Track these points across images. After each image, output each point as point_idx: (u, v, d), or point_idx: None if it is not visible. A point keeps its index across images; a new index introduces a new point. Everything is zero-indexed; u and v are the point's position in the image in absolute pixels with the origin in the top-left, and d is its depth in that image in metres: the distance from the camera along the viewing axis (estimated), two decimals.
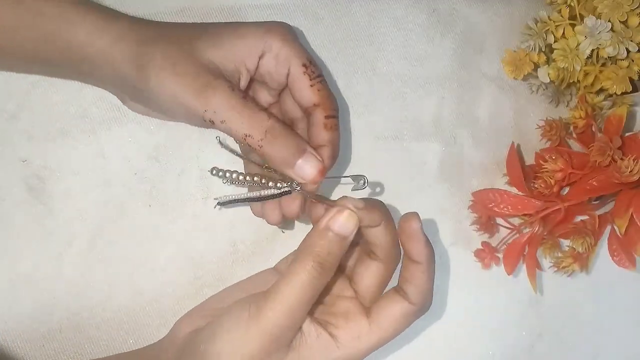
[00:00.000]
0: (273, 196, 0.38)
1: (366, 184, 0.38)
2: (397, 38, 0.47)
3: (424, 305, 0.36)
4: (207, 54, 0.36)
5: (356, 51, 0.47)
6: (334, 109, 0.38)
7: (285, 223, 0.43)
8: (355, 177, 0.37)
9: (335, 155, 0.38)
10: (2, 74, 0.43)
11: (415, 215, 0.35)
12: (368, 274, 0.36)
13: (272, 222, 0.39)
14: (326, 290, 0.36)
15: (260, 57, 0.37)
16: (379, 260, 0.36)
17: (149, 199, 0.44)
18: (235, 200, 0.39)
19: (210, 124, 0.35)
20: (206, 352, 0.33)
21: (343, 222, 0.33)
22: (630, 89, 0.44)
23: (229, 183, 0.38)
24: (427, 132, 0.47)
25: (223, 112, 0.34)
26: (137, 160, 0.44)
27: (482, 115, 0.47)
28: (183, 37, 0.36)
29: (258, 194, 0.38)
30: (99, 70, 0.37)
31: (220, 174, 0.38)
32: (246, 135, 0.35)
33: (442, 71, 0.47)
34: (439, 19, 0.48)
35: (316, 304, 0.35)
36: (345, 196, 0.35)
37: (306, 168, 0.35)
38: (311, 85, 0.37)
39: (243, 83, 0.37)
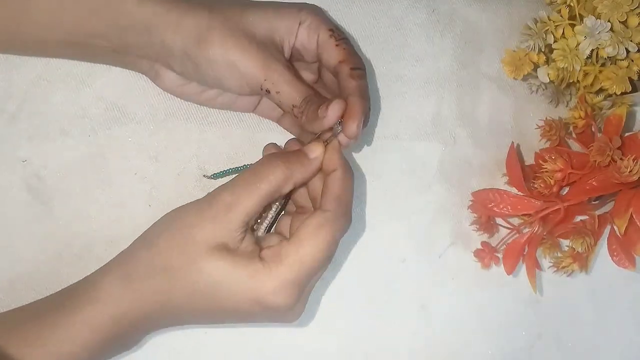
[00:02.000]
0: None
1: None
2: (396, 38, 0.47)
3: (339, 212, 0.36)
4: (260, 27, 0.38)
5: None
6: (359, 63, 0.40)
7: None
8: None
9: (365, 102, 0.39)
10: (2, 74, 0.43)
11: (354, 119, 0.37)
12: (304, 222, 0.36)
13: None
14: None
15: (297, 29, 0.40)
16: (321, 209, 0.36)
17: (149, 199, 0.44)
18: (225, 171, 0.42)
19: (265, 93, 0.38)
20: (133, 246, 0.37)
21: (314, 150, 0.37)
22: (630, 89, 0.44)
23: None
24: (427, 132, 0.47)
25: (280, 84, 0.38)
26: (137, 160, 0.44)
27: (482, 115, 0.47)
28: (235, 9, 0.39)
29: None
30: (146, 37, 0.38)
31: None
32: (293, 106, 0.38)
33: (442, 71, 0.47)
34: (439, 18, 0.48)
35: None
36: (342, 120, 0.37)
37: (331, 113, 0.37)
38: (336, 45, 0.40)
39: (286, 55, 0.40)
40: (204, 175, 0.44)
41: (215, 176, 0.43)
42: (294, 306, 0.35)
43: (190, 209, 0.36)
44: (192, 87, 0.41)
